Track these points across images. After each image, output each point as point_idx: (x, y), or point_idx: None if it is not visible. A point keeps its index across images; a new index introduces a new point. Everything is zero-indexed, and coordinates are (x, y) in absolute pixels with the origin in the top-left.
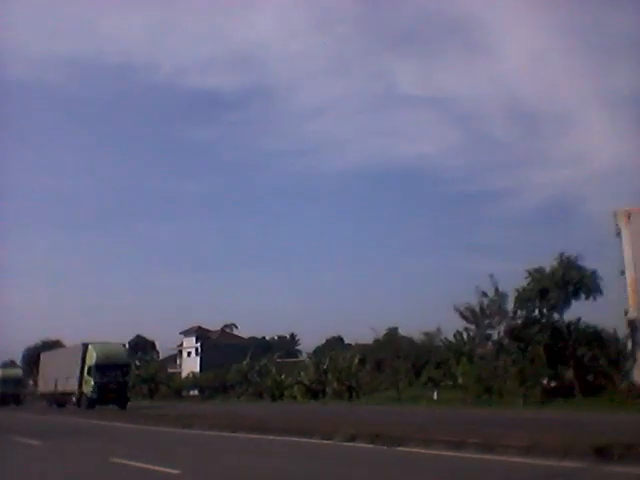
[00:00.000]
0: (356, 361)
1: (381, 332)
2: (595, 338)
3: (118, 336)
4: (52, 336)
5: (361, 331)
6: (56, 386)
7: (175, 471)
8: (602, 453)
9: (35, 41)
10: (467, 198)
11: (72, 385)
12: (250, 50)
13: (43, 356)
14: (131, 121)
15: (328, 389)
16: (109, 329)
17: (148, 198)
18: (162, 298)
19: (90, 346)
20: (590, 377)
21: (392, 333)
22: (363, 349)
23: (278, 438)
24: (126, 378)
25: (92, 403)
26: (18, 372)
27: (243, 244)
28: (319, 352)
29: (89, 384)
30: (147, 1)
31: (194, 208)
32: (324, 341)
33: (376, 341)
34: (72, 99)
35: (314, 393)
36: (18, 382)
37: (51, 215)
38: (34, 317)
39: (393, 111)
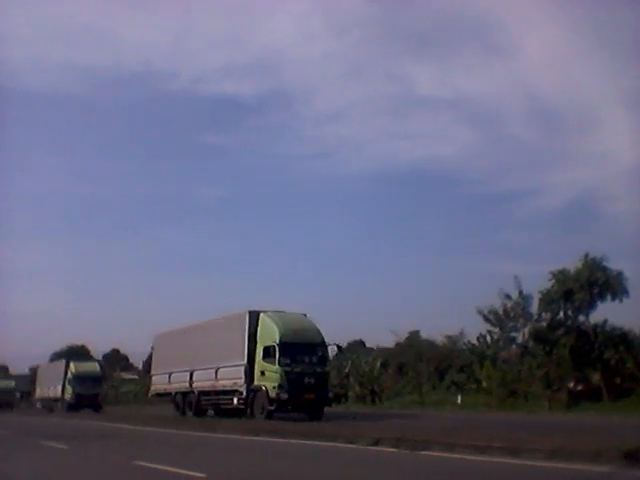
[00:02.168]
0: (378, 365)
1: (403, 335)
2: (622, 340)
3: (135, 343)
4: (77, 341)
5: (383, 335)
6: (191, 382)
7: (201, 474)
8: (631, 457)
9: (54, 50)
10: (488, 199)
11: (231, 379)
12: (268, 55)
13: (159, 338)
14: (149, 128)
15: (350, 393)
16: (124, 335)
17: (167, 203)
18: (177, 303)
19: (263, 315)
20: (617, 380)
21: (414, 337)
22: (385, 353)
23: (302, 442)
24: (325, 367)
25: (280, 406)
26: (96, 367)
27: (261, 247)
28: (340, 356)
29: (272, 377)
30: (166, 9)
31: (212, 213)
32: (345, 345)
33: (398, 345)
34: (91, 107)
35: (336, 397)
36: (97, 380)
37: (69, 221)
38: (55, 324)
39: (412, 113)
